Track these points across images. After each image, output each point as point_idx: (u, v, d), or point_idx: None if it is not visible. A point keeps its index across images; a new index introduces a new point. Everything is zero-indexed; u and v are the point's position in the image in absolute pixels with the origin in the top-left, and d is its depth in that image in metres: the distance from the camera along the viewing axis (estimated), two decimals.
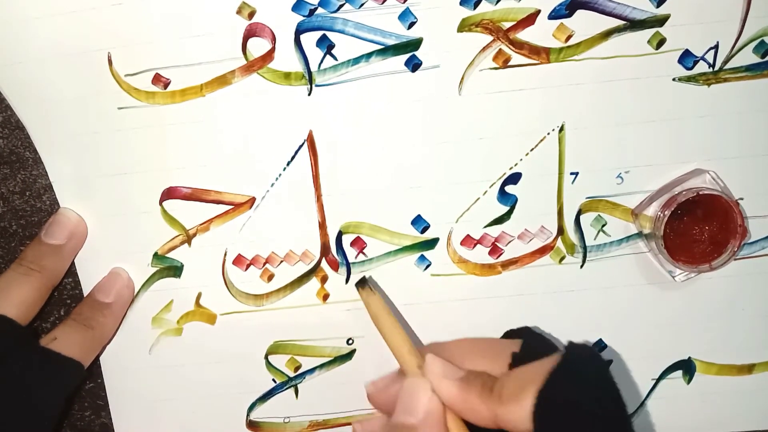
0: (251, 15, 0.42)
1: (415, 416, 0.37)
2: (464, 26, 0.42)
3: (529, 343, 0.39)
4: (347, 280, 0.45)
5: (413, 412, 0.37)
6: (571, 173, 0.44)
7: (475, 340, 0.41)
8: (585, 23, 0.42)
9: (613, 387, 0.34)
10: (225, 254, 0.45)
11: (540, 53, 0.43)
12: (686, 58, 0.43)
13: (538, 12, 0.42)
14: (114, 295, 0.44)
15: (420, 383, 0.37)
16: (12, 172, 0.45)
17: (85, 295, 0.45)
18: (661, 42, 0.42)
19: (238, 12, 0.42)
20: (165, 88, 0.43)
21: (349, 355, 0.46)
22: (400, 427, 0.37)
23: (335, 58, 0.43)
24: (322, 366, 0.47)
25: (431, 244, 0.45)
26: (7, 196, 0.46)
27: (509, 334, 0.43)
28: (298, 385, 0.47)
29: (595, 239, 0.45)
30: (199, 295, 0.46)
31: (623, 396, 0.34)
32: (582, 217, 0.45)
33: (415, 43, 0.42)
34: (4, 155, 0.45)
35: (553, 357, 0.34)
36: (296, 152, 0.44)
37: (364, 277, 0.44)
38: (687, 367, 0.47)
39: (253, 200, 0.45)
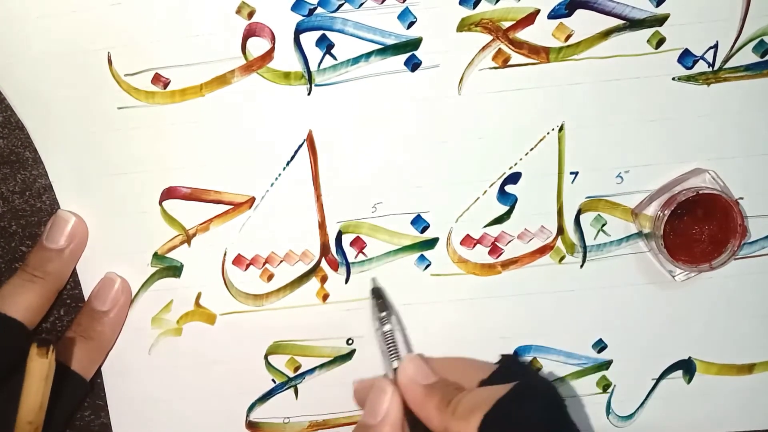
0: (251, 15, 0.42)
1: (374, 418, 0.38)
2: (464, 26, 0.42)
3: (506, 369, 0.40)
4: (347, 280, 0.45)
5: (374, 413, 0.39)
6: (571, 173, 0.44)
7: (464, 360, 0.43)
8: (584, 23, 0.42)
9: (561, 423, 0.35)
10: (225, 254, 0.45)
11: (539, 53, 0.43)
12: (686, 57, 0.43)
13: (538, 11, 0.42)
14: (110, 302, 0.44)
15: (385, 385, 0.39)
16: (12, 172, 0.45)
17: (84, 295, 0.45)
18: (661, 41, 0.42)
19: (238, 12, 0.42)
20: (165, 88, 0.43)
21: (348, 355, 0.46)
22: (363, 426, 0.39)
23: (335, 58, 0.43)
24: (321, 366, 0.47)
25: (431, 243, 0.45)
26: (7, 196, 0.46)
27: (503, 359, 0.43)
28: (298, 386, 0.47)
29: (595, 239, 0.45)
30: (198, 295, 0.46)
31: None
32: (582, 217, 0.45)
33: (415, 43, 0.43)
34: (4, 155, 0.45)
35: (506, 385, 0.36)
36: (296, 152, 0.44)
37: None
38: (687, 367, 0.46)
39: (252, 200, 0.45)
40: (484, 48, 0.43)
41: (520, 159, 0.44)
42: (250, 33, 0.42)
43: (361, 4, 0.42)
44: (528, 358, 0.46)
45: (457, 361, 0.43)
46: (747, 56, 0.43)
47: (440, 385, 0.39)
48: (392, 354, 0.41)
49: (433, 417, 0.37)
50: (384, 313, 0.43)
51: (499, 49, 0.43)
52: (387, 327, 0.42)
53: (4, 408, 0.40)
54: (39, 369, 0.39)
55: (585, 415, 0.47)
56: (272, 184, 0.44)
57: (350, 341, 0.46)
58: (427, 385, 0.39)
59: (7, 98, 0.44)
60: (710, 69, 0.43)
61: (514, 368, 0.42)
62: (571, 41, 0.42)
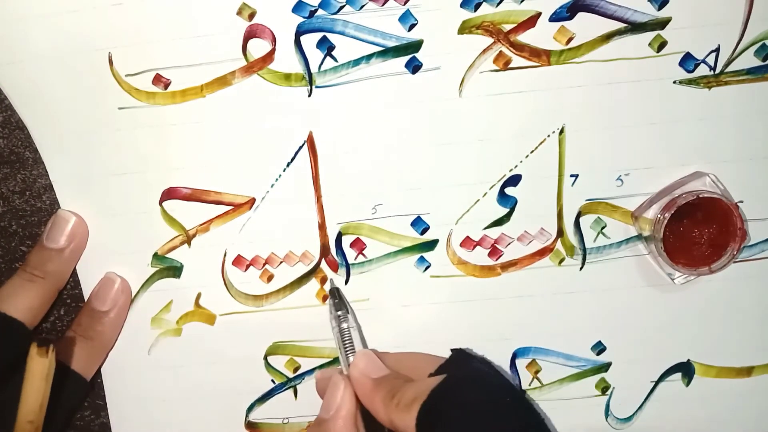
0: (251, 16, 0.42)
1: (327, 412, 0.40)
2: (465, 28, 0.42)
3: (453, 361, 0.41)
4: (347, 281, 0.46)
5: (327, 407, 0.40)
6: (571, 175, 0.44)
7: (416, 354, 0.44)
8: (586, 26, 0.42)
9: (494, 409, 0.36)
10: (225, 255, 0.45)
11: (541, 55, 0.42)
12: (687, 61, 0.43)
13: (539, 14, 0.42)
14: (110, 302, 0.45)
15: (338, 380, 0.40)
16: (12, 172, 0.45)
17: (84, 295, 0.45)
18: (662, 45, 0.42)
19: (239, 13, 0.42)
20: (165, 89, 0.43)
21: None
22: (318, 421, 0.40)
23: (335, 60, 0.43)
24: (321, 367, 0.47)
25: (431, 245, 0.45)
26: (7, 196, 0.46)
27: (453, 352, 0.43)
28: (297, 386, 0.47)
29: (594, 241, 0.45)
30: (198, 296, 0.46)
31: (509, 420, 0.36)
32: (582, 219, 0.45)
33: (416, 45, 0.42)
34: (4, 155, 0.45)
35: (441, 376, 0.37)
36: (296, 153, 0.44)
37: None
38: (686, 370, 0.47)
39: (252, 201, 0.45)
40: (485, 51, 0.42)
41: (521, 161, 0.44)
42: (250, 34, 0.42)
43: (362, 6, 0.42)
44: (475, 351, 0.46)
45: (410, 355, 0.44)
46: (749, 60, 0.42)
47: (388, 379, 0.40)
48: (348, 350, 0.42)
49: (379, 409, 0.38)
50: (341, 312, 0.44)
51: (500, 51, 0.42)
52: (344, 325, 0.43)
53: (5, 407, 0.40)
54: (39, 368, 0.39)
55: (583, 417, 0.47)
56: (272, 185, 0.44)
57: None
58: (376, 378, 0.40)
59: (9, 97, 0.44)
60: (712, 73, 0.43)
61: (461, 360, 0.42)
62: (572, 44, 0.42)
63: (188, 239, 0.45)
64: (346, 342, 0.43)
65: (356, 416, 0.40)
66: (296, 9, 0.42)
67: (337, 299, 0.44)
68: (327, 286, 0.45)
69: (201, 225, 0.45)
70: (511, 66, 0.43)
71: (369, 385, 0.39)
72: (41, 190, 0.45)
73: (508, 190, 0.44)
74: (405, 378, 0.40)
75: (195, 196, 0.45)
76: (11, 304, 0.43)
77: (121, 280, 0.45)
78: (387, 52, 0.43)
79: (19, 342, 0.42)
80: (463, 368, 0.40)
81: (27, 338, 0.43)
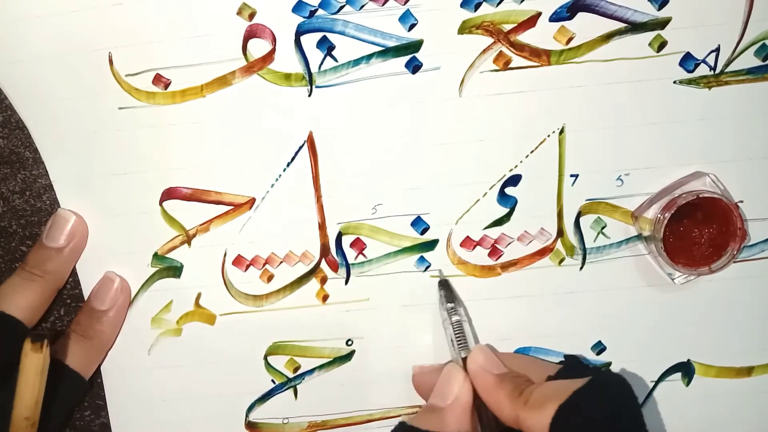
0: (251, 16, 0.42)
1: (444, 400, 0.40)
2: (465, 28, 0.42)
3: (571, 367, 0.41)
4: (347, 281, 0.46)
5: (444, 396, 0.40)
6: (571, 175, 0.44)
7: (527, 357, 0.44)
8: (586, 26, 0.42)
9: (635, 418, 0.36)
10: (225, 255, 0.45)
11: (541, 55, 0.42)
12: (687, 60, 0.43)
13: (539, 14, 0.42)
14: (109, 302, 0.45)
15: (456, 370, 0.41)
16: (12, 172, 0.45)
17: (84, 295, 0.45)
18: (662, 45, 0.42)
19: (239, 13, 0.42)
20: (165, 89, 0.43)
21: (348, 356, 0.46)
22: (431, 408, 0.40)
23: (335, 60, 0.43)
24: (321, 367, 0.47)
25: (431, 245, 0.45)
26: (7, 196, 0.46)
27: (567, 358, 0.44)
28: (297, 386, 0.47)
29: (594, 241, 0.45)
30: (198, 296, 0.46)
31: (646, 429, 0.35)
32: (582, 219, 0.45)
33: (416, 45, 0.42)
34: (4, 155, 0.45)
35: (582, 379, 0.36)
36: (296, 153, 0.44)
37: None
38: (686, 370, 0.47)
39: (253, 201, 0.45)
40: (485, 50, 0.42)
41: (521, 161, 0.44)
42: (250, 34, 0.42)
43: (362, 6, 0.42)
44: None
45: (523, 357, 0.44)
46: (749, 60, 0.43)
47: (512, 376, 0.40)
48: (461, 344, 0.42)
49: (504, 405, 0.38)
50: (452, 304, 0.43)
51: (500, 51, 0.42)
52: (455, 318, 0.43)
53: (5, 407, 0.40)
54: (34, 364, 0.39)
55: None
56: (272, 185, 0.44)
57: (350, 342, 0.46)
58: (499, 374, 0.40)
59: (9, 97, 0.44)
60: (712, 72, 0.43)
61: (579, 368, 0.42)
62: (572, 44, 0.42)
63: (188, 239, 0.45)
64: (458, 334, 0.42)
65: (471, 409, 0.40)
66: (296, 9, 0.42)
67: (447, 291, 0.44)
68: (436, 278, 0.45)
69: (201, 225, 0.45)
70: (511, 66, 0.43)
71: (492, 380, 0.39)
72: (41, 190, 0.45)
73: (508, 190, 0.44)
74: (526, 377, 0.39)
75: (195, 196, 0.45)
76: (10, 303, 0.43)
77: (121, 280, 0.45)
78: (387, 52, 0.43)
79: (18, 340, 0.42)
80: (593, 375, 0.39)
81: (25, 337, 0.42)
